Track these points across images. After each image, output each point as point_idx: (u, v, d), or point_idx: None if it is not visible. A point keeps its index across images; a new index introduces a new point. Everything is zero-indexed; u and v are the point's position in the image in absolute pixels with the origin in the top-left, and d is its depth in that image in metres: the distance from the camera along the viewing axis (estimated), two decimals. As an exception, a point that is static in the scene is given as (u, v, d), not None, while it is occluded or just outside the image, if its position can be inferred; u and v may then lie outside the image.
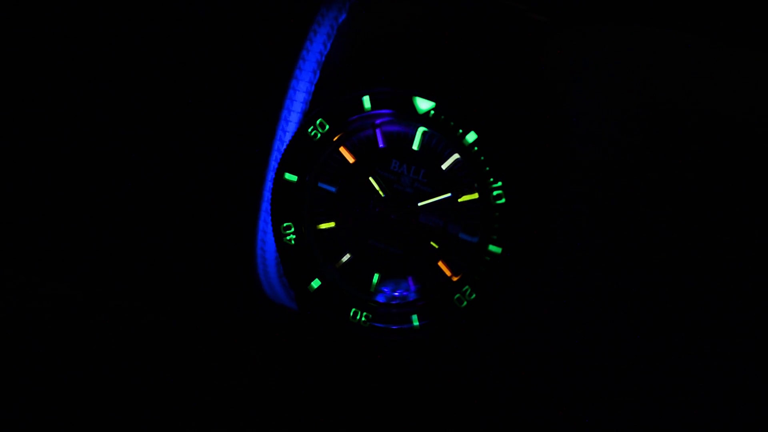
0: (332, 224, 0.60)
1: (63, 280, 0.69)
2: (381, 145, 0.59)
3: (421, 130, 0.58)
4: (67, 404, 0.67)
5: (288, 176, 0.59)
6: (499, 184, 0.56)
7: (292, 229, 0.60)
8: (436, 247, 0.58)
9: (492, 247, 0.56)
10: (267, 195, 0.62)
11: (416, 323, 0.58)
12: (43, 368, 0.68)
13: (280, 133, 0.61)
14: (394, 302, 0.59)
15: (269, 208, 0.61)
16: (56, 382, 0.68)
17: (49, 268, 0.67)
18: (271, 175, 0.62)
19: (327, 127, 0.59)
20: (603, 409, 0.57)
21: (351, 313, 0.59)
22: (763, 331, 0.53)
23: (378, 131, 0.59)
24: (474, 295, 0.57)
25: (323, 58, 0.62)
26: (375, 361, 0.60)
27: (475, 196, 0.57)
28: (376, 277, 0.59)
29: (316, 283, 0.60)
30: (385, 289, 0.59)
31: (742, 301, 0.54)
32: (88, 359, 0.69)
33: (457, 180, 0.58)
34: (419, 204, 0.58)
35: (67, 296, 0.71)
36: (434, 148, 0.58)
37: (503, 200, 0.56)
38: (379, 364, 0.60)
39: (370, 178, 0.59)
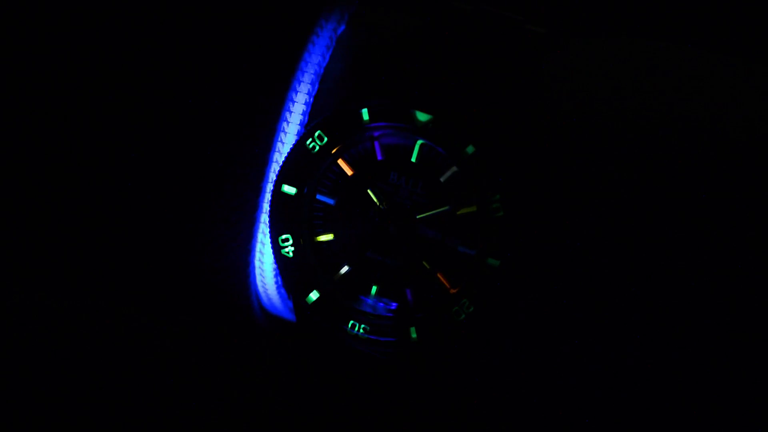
0: (331, 236, 0.60)
1: (59, 288, 0.69)
2: (379, 158, 0.59)
3: (419, 142, 0.58)
4: (68, 408, 0.67)
5: (286, 188, 0.59)
6: (498, 196, 0.56)
7: (291, 241, 0.60)
8: (428, 267, 0.58)
9: (490, 260, 0.56)
10: (265, 207, 0.62)
11: (414, 335, 0.58)
12: (43, 374, 0.68)
13: (278, 144, 0.61)
14: (391, 314, 0.59)
15: (267, 220, 0.61)
16: (56, 386, 0.68)
17: (48, 276, 0.67)
18: (269, 187, 0.62)
19: (325, 139, 0.59)
20: (602, 419, 0.57)
21: (349, 325, 0.59)
22: (763, 331, 0.54)
23: (376, 144, 0.59)
24: (472, 308, 0.57)
25: (322, 70, 0.62)
26: (373, 372, 0.60)
27: (474, 208, 0.57)
28: (374, 290, 0.59)
29: (314, 295, 0.60)
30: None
31: (742, 314, 0.54)
32: (80, 371, 0.69)
33: (455, 192, 0.58)
34: (417, 216, 0.58)
35: (61, 303, 0.71)
36: (432, 161, 0.58)
37: (501, 213, 0.56)
38: (376, 375, 0.60)
39: (369, 191, 0.59)
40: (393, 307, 0.59)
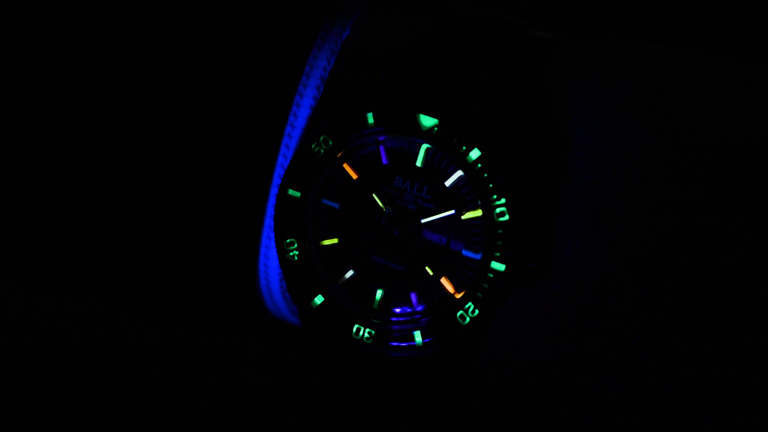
0: (335, 240, 0.60)
1: (60, 291, 0.69)
2: (384, 162, 0.59)
3: (424, 146, 0.58)
4: (69, 408, 0.67)
5: (291, 192, 0.59)
6: (503, 201, 0.56)
7: (295, 245, 0.60)
8: (431, 273, 0.58)
9: (495, 264, 0.56)
10: (270, 211, 0.62)
11: (419, 340, 0.58)
12: (45, 375, 0.68)
13: (283, 149, 0.61)
14: (396, 319, 0.59)
15: (272, 223, 0.61)
16: (58, 386, 0.68)
17: (49, 279, 0.68)
18: (274, 190, 0.62)
19: (330, 143, 0.59)
20: (603, 419, 0.58)
21: (354, 330, 0.59)
22: (762, 334, 0.54)
23: (381, 148, 0.59)
24: (477, 312, 0.57)
25: (327, 75, 0.62)
26: (378, 377, 0.60)
27: (479, 213, 0.57)
28: (379, 294, 0.59)
29: (319, 299, 0.60)
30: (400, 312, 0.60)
31: (742, 314, 0.54)
32: (82, 373, 0.69)
33: (460, 197, 0.58)
34: (422, 221, 0.58)
35: (64, 306, 0.71)
36: (437, 165, 0.58)
37: (506, 217, 0.56)
38: (382, 380, 0.60)
39: (374, 195, 0.59)
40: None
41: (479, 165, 0.56)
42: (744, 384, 0.54)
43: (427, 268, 0.59)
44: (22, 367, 0.68)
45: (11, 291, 0.71)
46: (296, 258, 0.60)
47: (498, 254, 0.56)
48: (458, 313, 0.57)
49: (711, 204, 0.55)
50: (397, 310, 0.59)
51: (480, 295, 0.57)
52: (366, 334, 0.59)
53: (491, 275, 0.56)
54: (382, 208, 0.59)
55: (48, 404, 0.67)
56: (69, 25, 0.64)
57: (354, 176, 0.59)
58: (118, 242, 0.64)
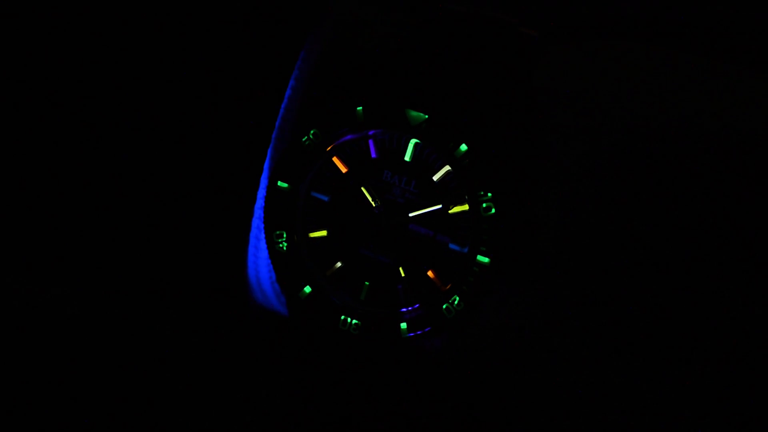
0: (324, 233, 0.61)
1: (51, 281, 0.69)
2: (373, 156, 0.60)
3: (413, 141, 0.59)
4: (60, 406, 0.67)
5: (281, 184, 0.60)
6: (489, 195, 0.57)
7: (285, 237, 0.60)
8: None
9: (481, 258, 0.57)
10: (260, 202, 0.62)
11: (404, 332, 0.59)
12: (32, 366, 0.68)
13: (274, 141, 0.62)
14: (383, 311, 0.60)
15: (262, 215, 0.61)
16: (49, 384, 0.68)
17: (42, 270, 0.68)
18: (264, 183, 0.62)
19: (320, 137, 0.59)
20: (592, 414, 0.58)
21: (341, 321, 0.60)
22: (756, 334, 0.54)
23: (371, 142, 0.60)
24: (462, 305, 0.57)
25: (318, 69, 0.62)
26: (364, 367, 0.60)
27: (466, 207, 0.58)
28: (366, 286, 0.60)
29: (307, 290, 0.60)
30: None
31: (736, 314, 0.54)
32: (71, 364, 0.69)
33: (447, 191, 0.58)
34: (410, 214, 0.59)
35: (54, 297, 0.71)
36: (426, 160, 0.59)
37: (493, 211, 0.57)
38: (368, 370, 0.61)
39: (362, 188, 0.60)
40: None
41: (466, 160, 0.57)
42: (741, 384, 0.55)
43: (413, 262, 0.59)
44: (17, 362, 0.69)
45: (6, 287, 0.71)
46: (285, 249, 0.60)
47: (484, 248, 0.57)
48: (444, 306, 0.58)
49: (696, 199, 0.55)
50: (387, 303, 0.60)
51: (465, 288, 0.57)
52: (352, 325, 0.59)
53: (477, 269, 0.57)
54: (370, 202, 0.59)
55: (37, 398, 0.67)
56: (67, 22, 0.64)
57: (343, 169, 0.60)
58: (105, 230, 0.64)
